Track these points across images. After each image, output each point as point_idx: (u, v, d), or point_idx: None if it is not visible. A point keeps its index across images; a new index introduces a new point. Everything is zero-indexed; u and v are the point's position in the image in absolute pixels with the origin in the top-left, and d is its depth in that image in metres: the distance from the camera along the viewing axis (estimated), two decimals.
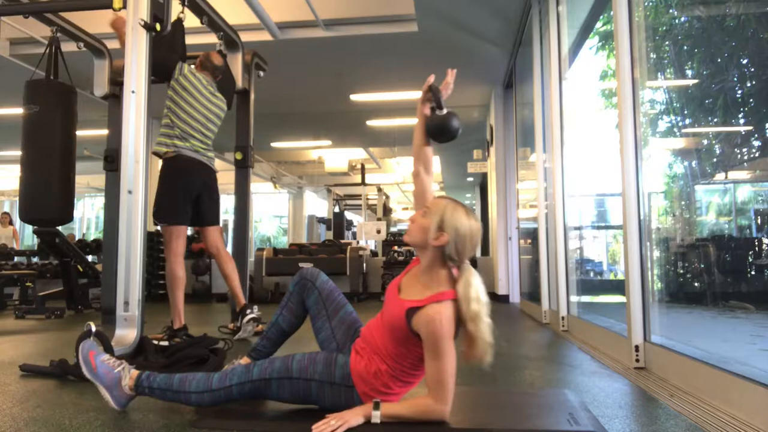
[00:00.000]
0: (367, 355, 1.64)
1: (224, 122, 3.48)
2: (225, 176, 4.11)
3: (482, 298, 1.57)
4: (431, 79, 1.82)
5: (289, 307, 1.90)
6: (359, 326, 1.81)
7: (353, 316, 1.85)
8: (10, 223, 9.71)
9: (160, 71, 3.12)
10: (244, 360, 1.90)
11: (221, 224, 3.54)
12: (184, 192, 3.16)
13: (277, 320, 1.92)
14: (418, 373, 1.64)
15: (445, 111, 1.79)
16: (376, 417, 1.52)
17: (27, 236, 13.68)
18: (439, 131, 1.81)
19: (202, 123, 3.22)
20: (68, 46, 3.75)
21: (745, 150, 4.38)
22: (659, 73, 4.18)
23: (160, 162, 3.22)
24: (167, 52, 3.10)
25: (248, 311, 3.39)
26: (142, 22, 2.62)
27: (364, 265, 7.38)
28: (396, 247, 7.89)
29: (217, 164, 3.48)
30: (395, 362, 1.61)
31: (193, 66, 3.32)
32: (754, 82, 3.90)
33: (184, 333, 3.10)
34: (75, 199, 3.68)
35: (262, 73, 4.15)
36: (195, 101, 3.19)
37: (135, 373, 1.73)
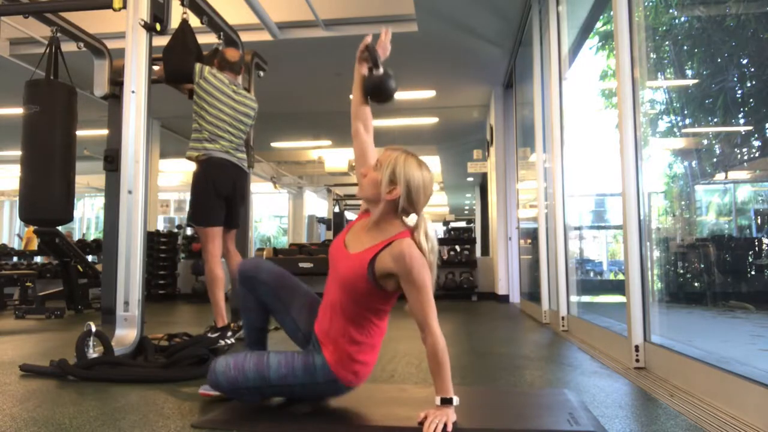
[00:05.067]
0: (332, 343, 1.66)
1: None
2: None
3: (436, 249, 1.61)
4: (368, 39, 1.81)
5: (250, 307, 1.88)
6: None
7: (311, 297, 1.84)
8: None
9: (180, 75, 3.11)
10: None
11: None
12: (217, 193, 3.16)
13: (248, 322, 1.91)
14: (377, 328, 1.67)
15: (381, 70, 1.79)
16: (455, 401, 1.53)
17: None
18: (376, 90, 1.82)
19: (228, 123, 3.18)
20: (68, 46, 3.75)
21: (745, 150, 4.38)
22: (659, 73, 4.18)
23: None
24: (182, 54, 3.09)
25: None
26: (142, 22, 2.63)
27: None
28: None
29: None
30: (358, 332, 1.64)
31: (213, 68, 3.28)
32: (754, 82, 3.90)
33: (228, 331, 3.09)
34: (75, 199, 3.68)
35: (262, 73, 4.14)
36: (218, 102, 3.15)
37: None
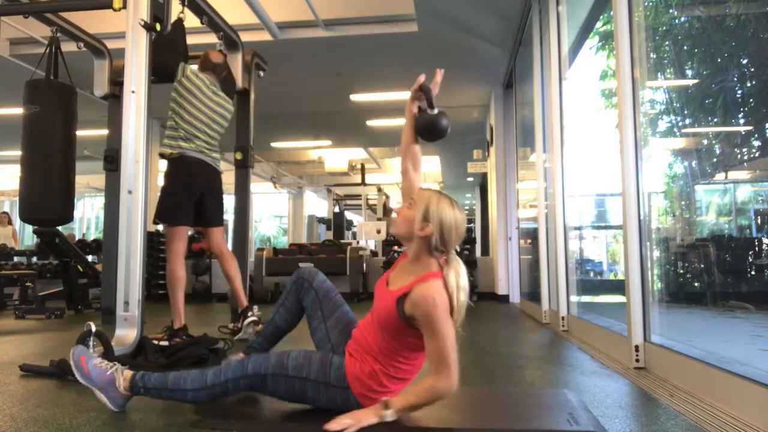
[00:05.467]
0: (359, 356, 1.65)
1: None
2: (225, 176, 4.11)
3: (466, 289, 1.60)
4: (422, 78, 1.83)
5: (286, 306, 1.93)
6: (355, 328, 1.81)
7: (349, 317, 1.85)
8: (9, 222, 9.70)
9: (163, 73, 3.12)
10: (241, 356, 1.91)
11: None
12: (187, 193, 3.16)
13: (274, 318, 1.95)
14: (411, 367, 1.65)
15: (436, 110, 1.81)
16: (389, 415, 1.51)
17: (27, 236, 13.67)
18: (429, 130, 1.83)
19: (206, 123, 3.21)
20: (68, 46, 3.75)
21: (745, 150, 4.38)
22: (659, 73, 4.18)
23: (165, 163, 3.22)
24: (169, 53, 3.09)
25: (249, 313, 3.39)
26: (142, 22, 2.63)
27: (364, 265, 7.38)
28: (396, 247, 7.89)
29: None
30: (387, 359, 1.62)
31: (195, 67, 3.32)
32: (754, 82, 3.90)
33: (183, 333, 3.10)
34: (75, 199, 3.68)
35: (262, 73, 4.14)
36: (198, 102, 3.18)
37: (129, 373, 1.72)
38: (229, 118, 3.42)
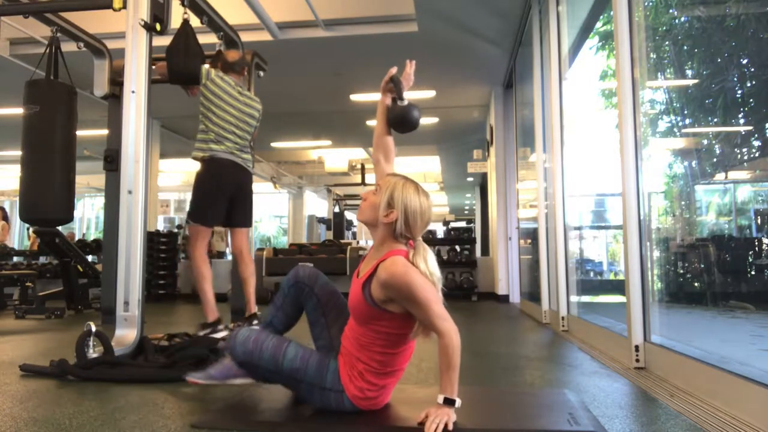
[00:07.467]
0: (347, 358, 1.66)
1: None
2: None
3: (437, 274, 1.60)
4: (393, 70, 1.87)
5: (285, 310, 1.87)
6: None
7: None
8: (4, 218, 9.64)
9: (184, 78, 3.12)
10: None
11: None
12: (217, 194, 3.17)
13: (272, 322, 1.89)
14: (393, 358, 1.64)
15: (406, 102, 1.82)
16: (457, 403, 1.52)
17: (27, 236, 13.65)
18: (399, 122, 1.85)
19: (234, 124, 3.19)
20: (68, 46, 3.75)
21: (745, 150, 4.38)
22: (659, 73, 4.18)
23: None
24: (185, 57, 3.09)
25: (255, 321, 3.39)
26: (142, 22, 2.63)
27: None
28: None
29: None
30: (367, 354, 1.62)
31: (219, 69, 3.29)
32: (754, 82, 3.90)
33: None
34: (75, 199, 3.68)
35: (262, 73, 4.14)
36: (225, 104, 3.16)
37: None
38: (258, 117, 3.39)
